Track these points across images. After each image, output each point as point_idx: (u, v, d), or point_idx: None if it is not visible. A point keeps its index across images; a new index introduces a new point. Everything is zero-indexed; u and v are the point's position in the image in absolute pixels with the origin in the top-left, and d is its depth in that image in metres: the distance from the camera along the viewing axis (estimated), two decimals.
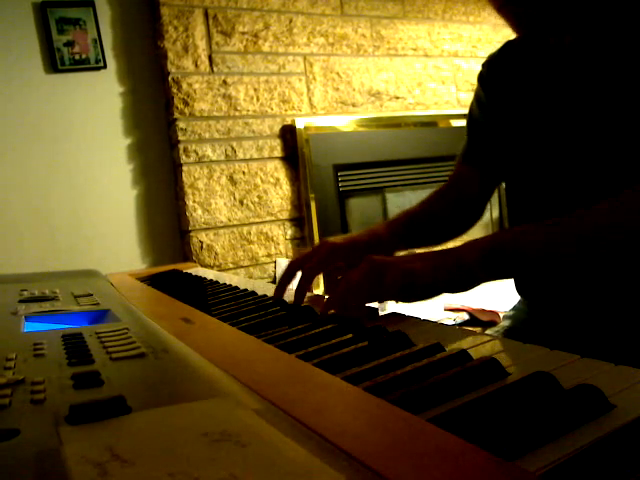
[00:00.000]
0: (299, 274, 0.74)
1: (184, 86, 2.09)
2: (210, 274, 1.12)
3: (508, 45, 0.83)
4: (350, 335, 0.50)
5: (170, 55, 2.07)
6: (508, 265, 0.57)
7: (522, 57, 0.79)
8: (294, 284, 0.72)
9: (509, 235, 0.58)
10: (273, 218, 2.24)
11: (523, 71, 0.78)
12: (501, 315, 1.59)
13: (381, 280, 0.56)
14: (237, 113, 2.18)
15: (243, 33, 2.20)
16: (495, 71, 0.84)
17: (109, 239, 2.06)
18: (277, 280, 0.73)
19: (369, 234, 0.80)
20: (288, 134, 2.25)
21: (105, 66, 2.05)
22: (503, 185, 0.90)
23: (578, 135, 0.69)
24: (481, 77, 0.87)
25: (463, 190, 0.89)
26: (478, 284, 0.57)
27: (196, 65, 2.11)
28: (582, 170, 0.70)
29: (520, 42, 0.80)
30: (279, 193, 2.25)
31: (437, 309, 2.11)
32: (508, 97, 0.80)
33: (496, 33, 2.73)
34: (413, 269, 0.56)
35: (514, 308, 0.91)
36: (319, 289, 2.25)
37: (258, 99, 2.22)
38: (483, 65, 0.87)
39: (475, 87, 0.90)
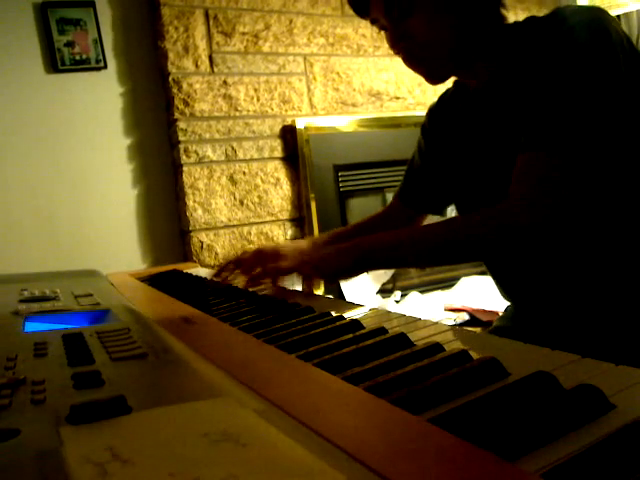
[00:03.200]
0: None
1: (184, 86, 2.09)
2: (210, 274, 1.12)
3: (444, 96, 0.96)
4: (350, 335, 0.50)
5: (170, 55, 2.07)
6: (368, 267, 0.80)
7: (454, 104, 0.91)
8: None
9: (365, 244, 0.78)
10: (273, 218, 2.24)
11: (455, 117, 0.89)
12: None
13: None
14: (237, 113, 2.18)
15: (243, 33, 2.20)
16: (433, 121, 0.97)
17: (110, 239, 2.06)
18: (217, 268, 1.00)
19: (293, 243, 1.07)
20: (288, 134, 2.25)
21: (105, 66, 2.05)
22: None
23: (500, 169, 0.77)
24: (423, 128, 1.00)
25: (393, 221, 1.05)
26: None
27: (196, 65, 2.11)
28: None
29: (454, 90, 0.92)
30: (279, 193, 2.25)
31: (437, 309, 2.11)
32: (444, 143, 0.92)
33: None
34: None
35: (506, 309, 0.93)
36: (320, 289, 2.25)
37: (258, 99, 2.22)
38: (426, 115, 0.99)
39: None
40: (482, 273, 2.48)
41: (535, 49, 0.70)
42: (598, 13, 0.67)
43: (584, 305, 0.74)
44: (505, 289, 0.88)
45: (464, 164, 0.87)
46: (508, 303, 0.92)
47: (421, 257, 0.77)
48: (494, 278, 0.89)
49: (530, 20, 0.76)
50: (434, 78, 0.80)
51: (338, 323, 0.55)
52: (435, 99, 0.99)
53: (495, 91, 0.78)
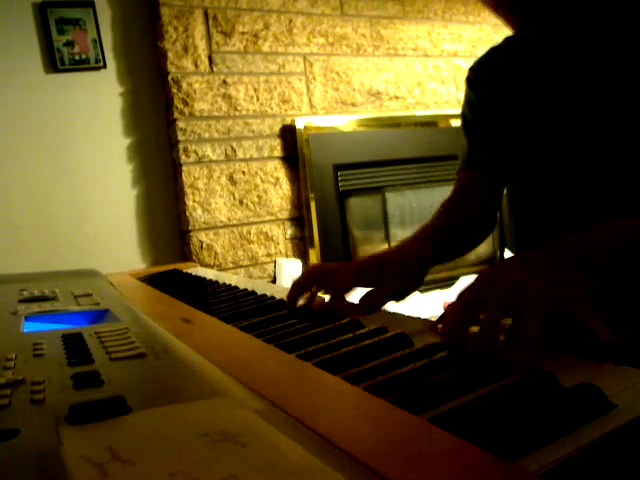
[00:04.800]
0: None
1: (184, 86, 2.09)
2: (210, 274, 1.12)
3: (494, 50, 0.84)
4: (350, 335, 0.50)
5: (170, 55, 2.07)
6: None
7: (511, 58, 0.79)
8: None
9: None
10: (273, 218, 2.24)
11: (513, 72, 0.78)
12: None
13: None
14: (237, 113, 2.18)
15: (243, 33, 2.20)
16: (484, 74, 0.84)
17: (109, 239, 2.06)
18: (291, 285, 0.69)
19: (397, 254, 0.73)
20: (288, 134, 2.25)
21: (105, 66, 2.05)
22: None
23: (573, 131, 0.69)
24: (470, 81, 0.87)
25: (472, 198, 0.85)
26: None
27: (196, 65, 2.11)
28: (582, 164, 0.68)
29: (506, 45, 0.81)
30: (279, 193, 2.25)
31: (437, 308, 2.11)
32: (500, 98, 0.80)
33: (496, 33, 2.73)
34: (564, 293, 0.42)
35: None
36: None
37: (258, 99, 2.22)
38: (470, 69, 0.87)
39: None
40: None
41: None
42: None
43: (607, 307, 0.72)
44: None
45: (524, 124, 0.75)
46: None
47: None
48: None
49: None
50: (521, 20, 0.64)
51: (338, 323, 0.55)
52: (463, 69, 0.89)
53: (578, 48, 0.67)
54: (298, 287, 0.69)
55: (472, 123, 0.86)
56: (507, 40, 0.81)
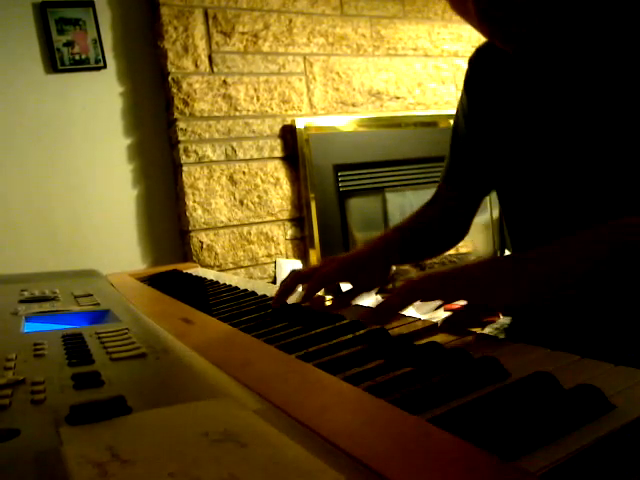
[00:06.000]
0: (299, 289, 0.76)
1: (184, 86, 2.09)
2: (210, 274, 1.12)
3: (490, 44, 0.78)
4: (350, 335, 0.50)
5: (170, 55, 2.07)
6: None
7: (504, 58, 0.76)
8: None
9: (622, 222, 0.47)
10: (273, 218, 2.24)
11: (506, 72, 0.75)
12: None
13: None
14: (237, 113, 2.18)
15: (243, 33, 2.20)
16: (478, 72, 0.83)
17: (109, 239, 2.06)
18: (278, 287, 0.73)
19: (367, 253, 0.80)
20: (288, 134, 2.25)
21: (105, 66, 2.05)
22: None
23: (568, 137, 0.67)
24: (467, 80, 0.86)
25: (447, 210, 0.91)
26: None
27: (196, 65, 2.11)
28: (577, 173, 0.67)
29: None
30: (279, 193, 2.25)
31: (436, 309, 2.11)
32: (492, 100, 0.77)
33: None
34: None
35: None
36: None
37: (258, 99, 2.22)
38: (469, 61, 0.86)
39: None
40: None
41: None
42: None
43: (586, 307, 0.73)
44: None
45: (518, 130, 0.73)
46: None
47: None
48: None
49: None
50: (509, 39, 0.60)
51: (338, 323, 0.55)
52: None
53: (576, 53, 0.63)
54: (284, 289, 0.72)
55: (461, 137, 0.86)
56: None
